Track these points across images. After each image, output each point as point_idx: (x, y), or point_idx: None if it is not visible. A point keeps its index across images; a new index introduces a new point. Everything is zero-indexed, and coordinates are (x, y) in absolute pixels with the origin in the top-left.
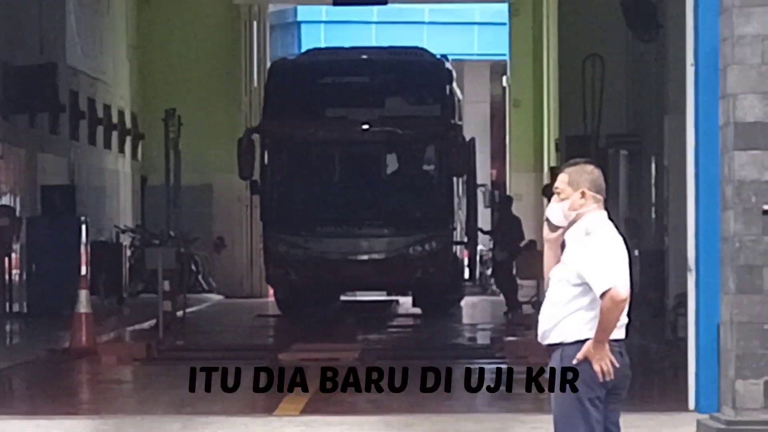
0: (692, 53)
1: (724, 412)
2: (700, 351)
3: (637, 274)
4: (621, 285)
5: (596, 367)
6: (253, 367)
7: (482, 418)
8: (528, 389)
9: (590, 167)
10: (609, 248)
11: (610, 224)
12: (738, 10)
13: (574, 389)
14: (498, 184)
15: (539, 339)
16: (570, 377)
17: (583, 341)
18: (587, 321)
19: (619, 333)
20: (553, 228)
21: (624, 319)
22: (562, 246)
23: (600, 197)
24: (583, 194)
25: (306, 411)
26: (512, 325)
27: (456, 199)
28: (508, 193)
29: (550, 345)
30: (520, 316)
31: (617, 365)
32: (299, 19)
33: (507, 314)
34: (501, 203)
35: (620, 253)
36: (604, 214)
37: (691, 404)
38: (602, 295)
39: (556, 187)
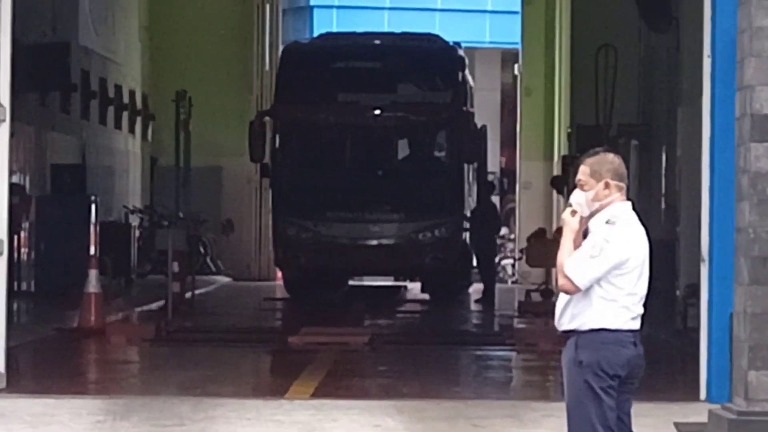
0: (709, 45)
1: (736, 402)
2: (712, 341)
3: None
4: (583, 282)
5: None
6: (262, 349)
7: (493, 404)
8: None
9: (611, 156)
10: (613, 246)
11: (633, 214)
12: (757, 2)
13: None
14: (507, 171)
15: (556, 325)
16: (582, 365)
17: (599, 330)
18: (604, 309)
19: (633, 324)
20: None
21: (639, 310)
22: (585, 234)
23: (623, 185)
24: (607, 185)
25: (317, 394)
26: (523, 312)
27: (466, 186)
28: (489, 179)
29: (565, 332)
30: (531, 304)
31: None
32: (312, 3)
33: (478, 301)
34: (481, 190)
35: (634, 249)
36: (628, 204)
37: (703, 394)
38: (566, 278)
39: (579, 179)
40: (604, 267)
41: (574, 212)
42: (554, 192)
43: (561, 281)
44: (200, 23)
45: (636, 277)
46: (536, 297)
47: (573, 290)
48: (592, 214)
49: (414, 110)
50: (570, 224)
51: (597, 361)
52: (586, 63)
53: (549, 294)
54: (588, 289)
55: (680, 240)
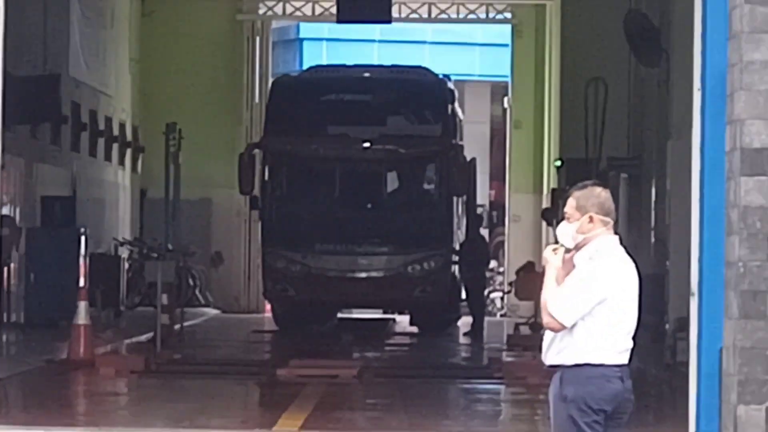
0: (699, 78)
1: None
2: (701, 375)
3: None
4: (568, 319)
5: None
6: (250, 382)
7: None
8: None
9: (598, 190)
10: (596, 281)
11: (620, 249)
12: (747, 36)
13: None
14: (496, 204)
15: (542, 359)
16: (567, 399)
17: (583, 365)
18: (588, 344)
19: (620, 358)
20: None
21: (626, 344)
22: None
23: (608, 220)
24: (591, 219)
25: (305, 427)
26: (512, 346)
27: (455, 219)
28: (478, 212)
29: (551, 366)
30: (519, 337)
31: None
32: (302, 36)
33: (467, 334)
34: (470, 222)
35: (618, 283)
36: (614, 238)
37: (692, 429)
38: (550, 317)
39: (565, 212)
40: (587, 303)
41: (555, 250)
42: (543, 224)
43: (546, 319)
44: (190, 56)
45: (621, 311)
46: (525, 330)
47: (558, 328)
48: (577, 248)
49: (403, 143)
50: (552, 262)
51: (581, 396)
52: (576, 96)
53: (538, 327)
54: (573, 324)
55: (670, 274)
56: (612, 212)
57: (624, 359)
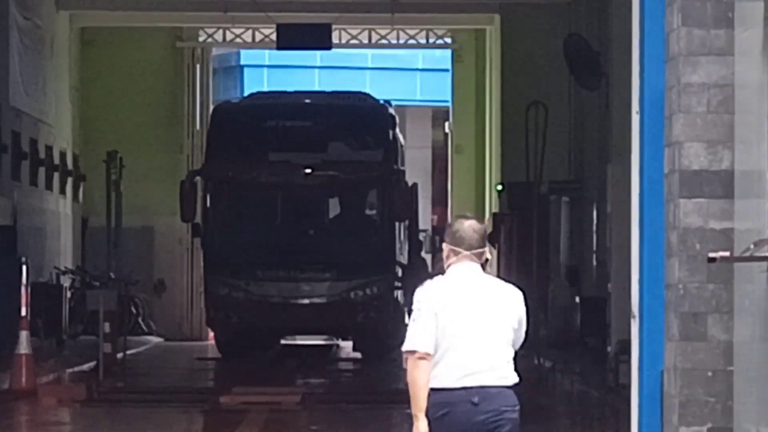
0: (638, 101)
1: None
2: (643, 397)
3: (578, 321)
4: (423, 344)
5: None
6: (193, 410)
7: None
8: None
9: (455, 222)
10: (433, 306)
11: (462, 275)
12: (685, 59)
13: None
14: (439, 229)
15: None
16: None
17: (432, 389)
18: (435, 368)
19: (468, 380)
20: None
21: (473, 366)
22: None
23: (459, 249)
24: (443, 249)
25: None
26: None
27: (398, 244)
28: (420, 237)
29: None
30: None
31: None
32: (242, 62)
33: None
34: (411, 248)
35: (441, 301)
36: (462, 266)
37: None
38: (405, 354)
39: None
40: (423, 321)
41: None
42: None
43: (407, 364)
44: (131, 83)
45: (451, 331)
46: None
47: (412, 358)
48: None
49: (345, 169)
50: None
51: (431, 420)
52: (517, 120)
53: None
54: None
55: (611, 296)
56: (462, 242)
57: (472, 381)
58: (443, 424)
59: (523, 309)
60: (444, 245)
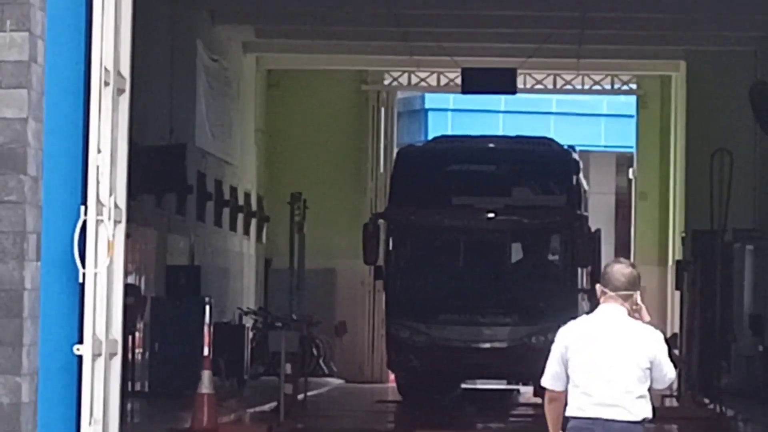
0: None
1: None
2: None
3: (762, 371)
4: (549, 383)
5: None
6: None
7: None
8: None
9: (608, 264)
10: (561, 345)
11: (605, 314)
12: None
13: None
14: None
15: None
16: None
17: (566, 417)
18: (569, 396)
19: (592, 412)
20: None
21: (598, 401)
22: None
23: (606, 290)
24: (598, 290)
25: None
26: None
27: (580, 290)
28: None
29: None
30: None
31: None
32: (427, 106)
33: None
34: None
35: (571, 337)
36: (607, 306)
37: None
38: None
39: None
40: (552, 360)
41: None
42: (669, 295)
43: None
44: (315, 126)
45: (583, 367)
46: (671, 402)
47: (546, 393)
48: None
49: (528, 214)
50: None
51: None
52: (701, 167)
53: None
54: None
55: None
56: (610, 284)
57: (603, 412)
58: None
59: (660, 350)
60: (597, 285)
